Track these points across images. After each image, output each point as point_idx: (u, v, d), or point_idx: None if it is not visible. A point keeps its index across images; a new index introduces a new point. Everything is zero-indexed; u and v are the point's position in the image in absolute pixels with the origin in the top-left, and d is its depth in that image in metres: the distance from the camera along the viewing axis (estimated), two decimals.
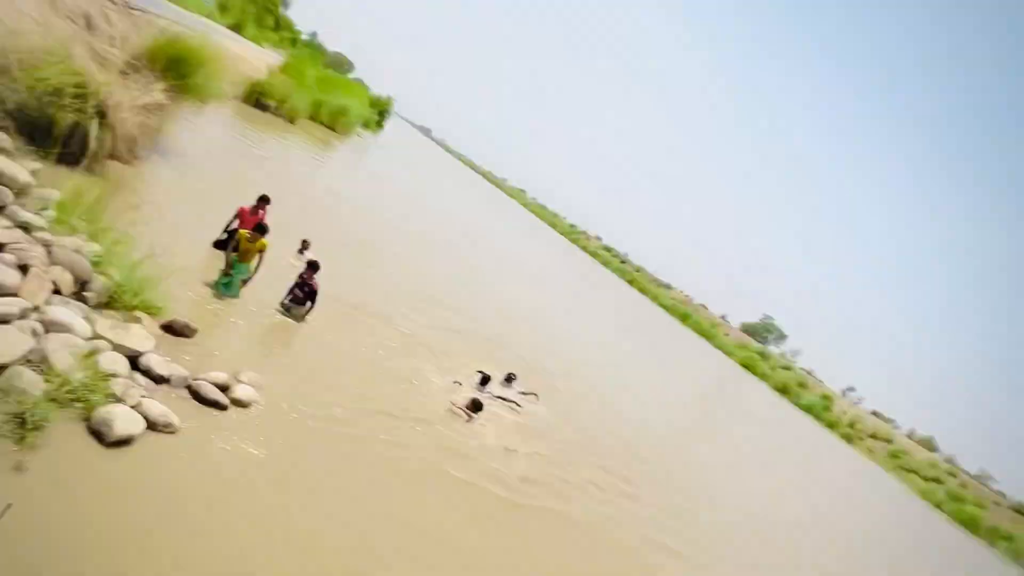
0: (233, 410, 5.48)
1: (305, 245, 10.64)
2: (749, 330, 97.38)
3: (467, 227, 33.69)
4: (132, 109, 9.20)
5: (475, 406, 8.59)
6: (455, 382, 9.42)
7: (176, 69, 10.81)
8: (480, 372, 10.10)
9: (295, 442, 5.63)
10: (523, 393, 10.78)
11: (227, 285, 7.45)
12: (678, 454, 14.96)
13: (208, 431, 5.02)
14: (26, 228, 5.59)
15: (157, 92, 10.07)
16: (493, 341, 13.06)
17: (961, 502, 44.55)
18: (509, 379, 10.84)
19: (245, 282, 7.65)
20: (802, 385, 63.74)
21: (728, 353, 68.38)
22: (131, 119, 9.10)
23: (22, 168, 6.22)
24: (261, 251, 7.74)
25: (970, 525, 40.65)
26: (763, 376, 63.57)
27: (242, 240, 7.62)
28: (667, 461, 13.31)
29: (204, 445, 4.85)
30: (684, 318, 77.46)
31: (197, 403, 5.26)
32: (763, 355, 71.22)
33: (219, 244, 8.50)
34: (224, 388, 5.59)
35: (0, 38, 7.86)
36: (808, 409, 56.92)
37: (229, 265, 7.56)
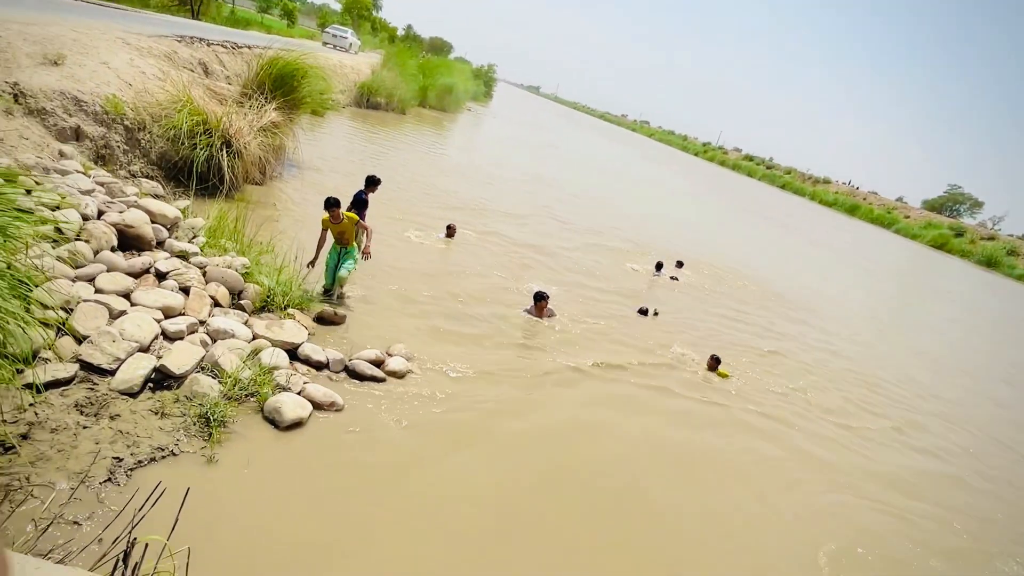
0: (391, 382, 5.71)
1: (451, 231, 10.96)
2: (934, 206, 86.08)
3: (604, 166, 32.90)
4: (253, 133, 9.88)
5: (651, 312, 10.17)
6: (632, 268, 13.28)
7: (283, 87, 11.46)
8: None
9: (457, 402, 5.75)
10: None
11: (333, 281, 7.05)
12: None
13: (371, 404, 5.27)
14: (183, 256, 6.20)
15: (271, 112, 10.75)
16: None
17: None
18: (679, 264, 14.34)
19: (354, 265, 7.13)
20: (1014, 252, 55.19)
21: (914, 236, 61.16)
22: (254, 142, 9.78)
23: (172, 207, 6.89)
24: (358, 224, 7.07)
25: None
26: (963, 253, 56.14)
27: (326, 225, 7.00)
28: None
29: (369, 417, 5.10)
30: (852, 210, 70.51)
31: (356, 381, 5.55)
32: (957, 229, 62.62)
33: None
34: (379, 363, 5.85)
35: (133, 100, 8.76)
36: None
37: (313, 260, 7.15)
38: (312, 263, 7.10)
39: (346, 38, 37.99)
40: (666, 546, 4.77)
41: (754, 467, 6.40)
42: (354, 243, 7.15)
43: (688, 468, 6.03)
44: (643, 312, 10.06)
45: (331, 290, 7.04)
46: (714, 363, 8.46)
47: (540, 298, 8.38)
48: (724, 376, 8.40)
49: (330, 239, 7.20)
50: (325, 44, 36.27)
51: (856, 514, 6.09)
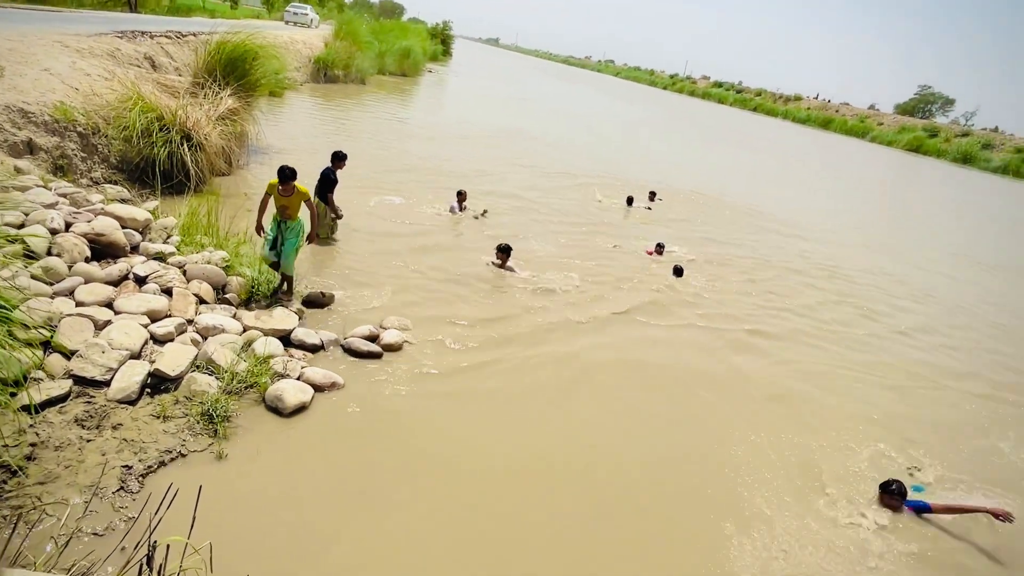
0: (388, 355, 5.72)
1: (462, 197, 10.89)
2: (907, 110, 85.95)
3: (570, 110, 32.45)
4: (211, 123, 9.61)
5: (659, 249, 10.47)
6: (598, 200, 13.74)
7: (235, 71, 11.09)
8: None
9: (454, 367, 5.78)
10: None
11: (277, 253, 6.19)
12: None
13: (371, 380, 5.28)
14: (160, 257, 6.09)
15: (227, 99, 10.43)
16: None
17: None
18: (652, 196, 14.56)
19: (309, 239, 6.56)
20: (988, 146, 55.58)
21: (889, 143, 61.35)
22: (214, 133, 9.51)
23: (141, 209, 6.73)
24: (307, 201, 6.28)
25: None
26: (939, 152, 56.50)
27: (271, 191, 6.13)
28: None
29: (371, 393, 5.11)
30: (826, 124, 70.51)
31: (354, 358, 5.55)
32: (931, 130, 62.74)
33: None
34: (374, 338, 5.84)
35: (82, 104, 8.47)
36: (1003, 170, 50.36)
37: (258, 225, 6.51)
38: (259, 229, 6.44)
39: (306, 15, 39.43)
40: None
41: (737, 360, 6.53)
42: (298, 217, 6.32)
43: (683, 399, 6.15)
44: (678, 272, 9.49)
45: (280, 286, 6.33)
46: (676, 273, 9.35)
47: (500, 250, 8.55)
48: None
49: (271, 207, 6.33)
50: (287, 23, 37.86)
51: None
